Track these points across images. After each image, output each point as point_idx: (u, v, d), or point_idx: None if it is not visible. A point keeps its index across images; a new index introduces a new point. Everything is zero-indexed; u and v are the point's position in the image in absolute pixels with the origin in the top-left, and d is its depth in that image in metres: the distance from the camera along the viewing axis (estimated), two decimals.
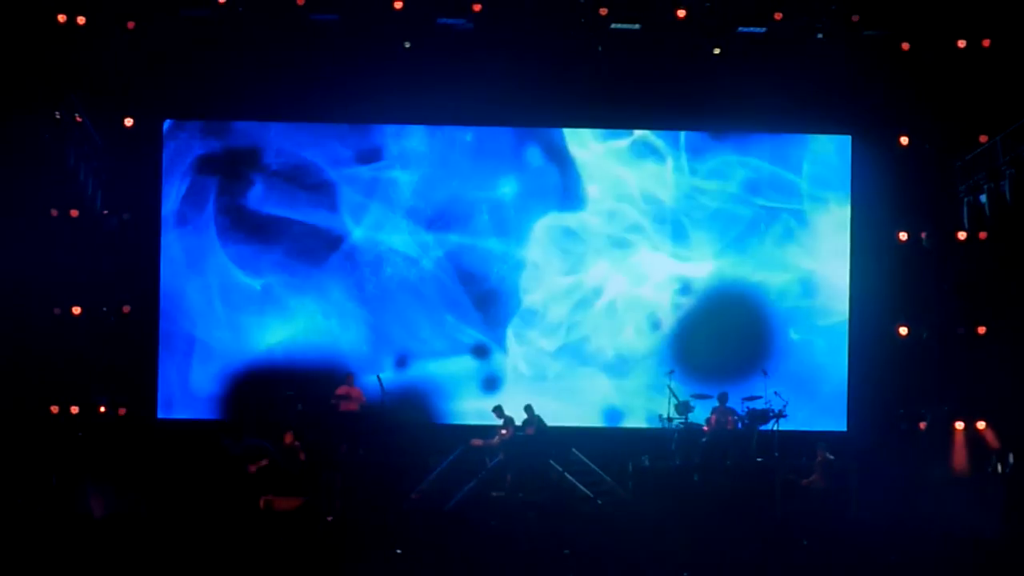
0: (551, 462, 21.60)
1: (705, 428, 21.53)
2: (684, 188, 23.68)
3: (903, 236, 23.10)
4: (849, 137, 23.51)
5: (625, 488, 21.78)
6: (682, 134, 23.63)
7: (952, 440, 22.54)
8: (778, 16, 22.32)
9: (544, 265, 23.61)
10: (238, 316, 23.30)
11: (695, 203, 23.67)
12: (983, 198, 22.22)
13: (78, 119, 21.86)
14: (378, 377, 21.66)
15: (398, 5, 21.97)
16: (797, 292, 23.63)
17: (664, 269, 23.58)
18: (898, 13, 22.46)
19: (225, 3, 21.89)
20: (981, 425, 22.38)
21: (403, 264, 23.53)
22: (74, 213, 22.47)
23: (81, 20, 21.84)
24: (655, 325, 23.57)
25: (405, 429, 21.82)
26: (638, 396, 23.25)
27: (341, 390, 22.13)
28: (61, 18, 21.77)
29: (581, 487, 21.92)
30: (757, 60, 22.59)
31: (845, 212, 23.55)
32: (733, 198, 23.65)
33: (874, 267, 23.32)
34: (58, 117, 21.66)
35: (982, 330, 22.96)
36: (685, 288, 23.59)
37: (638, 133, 23.66)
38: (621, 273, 23.59)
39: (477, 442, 21.84)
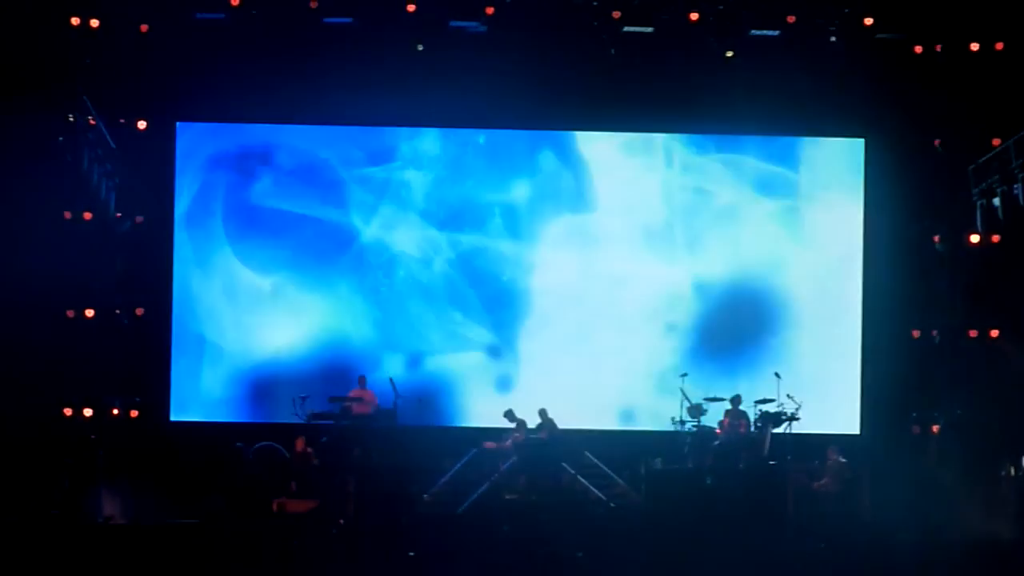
0: (564, 465, 21.60)
1: (718, 431, 21.50)
2: (697, 190, 23.67)
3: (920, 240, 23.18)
4: (863, 140, 23.50)
5: (638, 491, 21.75)
6: (695, 137, 23.62)
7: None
8: (791, 19, 22.30)
9: (556, 267, 23.60)
10: (249, 317, 23.30)
11: (708, 205, 23.65)
12: (996, 201, 22.22)
13: (92, 122, 21.88)
14: (391, 380, 21.65)
15: (411, 8, 21.96)
16: (810, 295, 23.60)
17: (677, 271, 23.57)
18: (911, 16, 22.45)
19: (239, 6, 21.90)
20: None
21: (415, 265, 23.55)
22: (87, 216, 22.48)
23: (95, 23, 21.85)
24: (668, 327, 23.56)
25: (417, 433, 21.80)
26: (650, 399, 23.23)
27: (354, 392, 22.11)
28: (75, 21, 21.80)
29: (594, 490, 21.94)
30: (770, 63, 22.55)
31: (858, 215, 23.53)
32: (746, 200, 23.63)
33: (887, 270, 23.30)
34: (72, 120, 21.68)
35: (995, 333, 22.93)
36: (698, 290, 23.59)
37: (650, 135, 23.65)
38: (633, 275, 23.57)
39: (490, 445, 21.82)
